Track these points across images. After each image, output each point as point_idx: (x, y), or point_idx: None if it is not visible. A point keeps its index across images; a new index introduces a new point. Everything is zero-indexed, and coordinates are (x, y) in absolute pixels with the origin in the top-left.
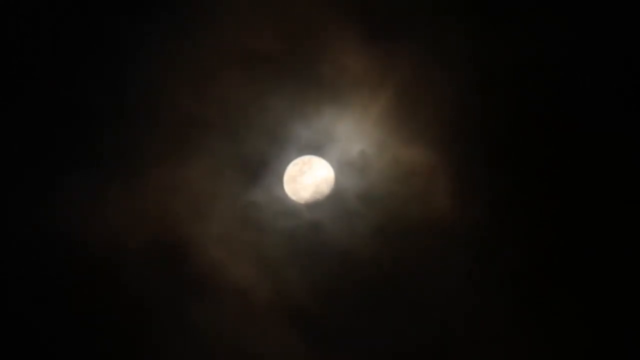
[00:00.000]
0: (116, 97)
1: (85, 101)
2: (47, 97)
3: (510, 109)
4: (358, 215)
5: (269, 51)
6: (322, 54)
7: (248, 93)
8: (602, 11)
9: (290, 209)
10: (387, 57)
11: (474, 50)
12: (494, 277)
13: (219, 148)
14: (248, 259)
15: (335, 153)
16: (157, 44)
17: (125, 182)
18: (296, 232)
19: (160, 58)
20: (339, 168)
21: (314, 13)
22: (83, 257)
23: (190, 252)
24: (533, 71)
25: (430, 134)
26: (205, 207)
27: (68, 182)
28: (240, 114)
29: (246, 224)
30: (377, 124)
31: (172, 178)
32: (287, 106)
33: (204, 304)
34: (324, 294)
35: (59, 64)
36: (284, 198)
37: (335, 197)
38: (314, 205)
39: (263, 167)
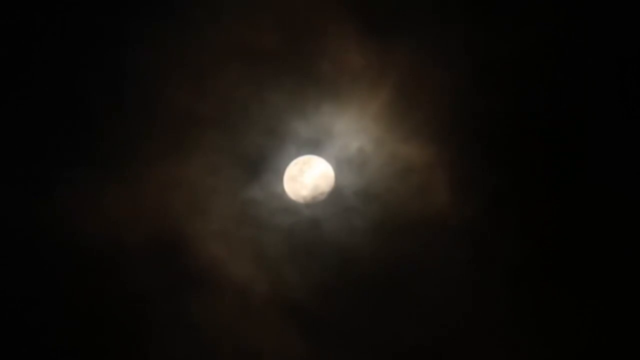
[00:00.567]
0: (115, 93)
1: (84, 97)
2: (46, 94)
3: (508, 105)
4: (356, 211)
5: (268, 47)
6: (321, 50)
7: (247, 89)
8: (599, 5)
9: (289, 205)
10: (385, 54)
11: (472, 47)
12: (492, 272)
13: (218, 144)
14: (247, 255)
15: (333, 150)
16: (156, 40)
17: (125, 178)
18: (295, 229)
19: (159, 54)
20: (337, 165)
21: (313, 10)
22: (82, 253)
23: (189, 248)
24: (531, 67)
25: (429, 131)
26: (204, 203)
27: (67, 179)
28: (239, 110)
29: (245, 221)
30: (376, 121)
31: (171, 174)
32: (286, 102)
33: (202, 300)
34: (322, 291)
35: (58, 60)
36: (283, 195)
37: (333, 194)
38: (312, 203)
39: (262, 163)
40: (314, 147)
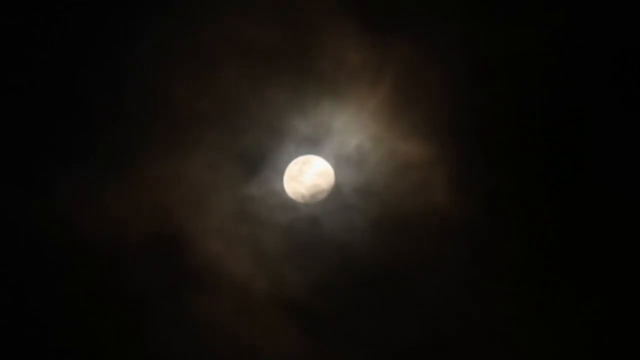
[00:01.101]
0: (115, 90)
1: (84, 95)
2: (45, 93)
3: (507, 102)
4: (355, 209)
5: (267, 45)
6: (320, 48)
7: (246, 86)
8: (599, 5)
9: (289, 202)
10: (384, 51)
11: (471, 44)
12: (491, 270)
13: (217, 141)
14: (246, 252)
15: (332, 147)
16: (156, 37)
17: (124, 175)
18: (294, 226)
19: (159, 51)
20: (336, 162)
21: (312, 6)
22: (82, 249)
23: (188, 245)
24: (530, 64)
25: (428, 128)
26: (203, 201)
27: (67, 176)
28: (238, 107)
29: (245, 218)
30: (375, 118)
31: (170, 171)
32: (285, 99)
33: (202, 296)
34: (321, 288)
35: (58, 60)
36: (282, 192)
37: (332, 191)
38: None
39: (261, 160)
40: (313, 144)
